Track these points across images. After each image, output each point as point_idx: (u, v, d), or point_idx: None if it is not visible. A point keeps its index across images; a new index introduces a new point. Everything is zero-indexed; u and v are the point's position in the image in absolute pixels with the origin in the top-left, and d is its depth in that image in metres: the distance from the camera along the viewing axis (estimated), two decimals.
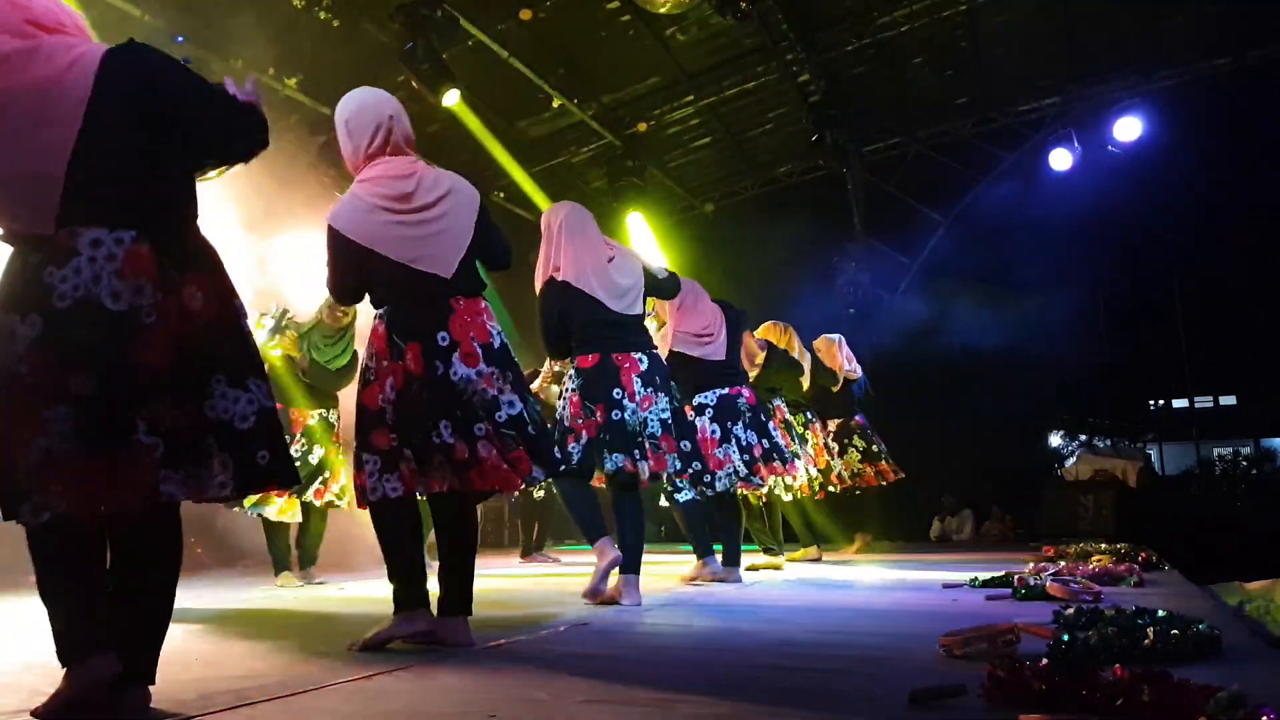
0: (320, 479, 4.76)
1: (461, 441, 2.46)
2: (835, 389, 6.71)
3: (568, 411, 3.58)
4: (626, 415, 3.52)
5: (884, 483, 6.88)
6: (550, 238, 3.67)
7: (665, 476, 3.78)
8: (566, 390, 3.62)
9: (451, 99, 7.02)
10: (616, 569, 3.50)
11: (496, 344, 2.57)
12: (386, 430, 2.48)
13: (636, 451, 3.50)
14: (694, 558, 4.66)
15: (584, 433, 3.52)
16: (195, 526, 5.92)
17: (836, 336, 7.00)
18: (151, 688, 1.72)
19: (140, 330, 1.64)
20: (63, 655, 1.66)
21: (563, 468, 3.51)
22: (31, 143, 1.63)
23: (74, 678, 1.63)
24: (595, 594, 3.49)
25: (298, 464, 4.55)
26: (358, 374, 2.63)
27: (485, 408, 2.50)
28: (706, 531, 4.57)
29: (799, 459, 5.41)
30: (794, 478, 5.26)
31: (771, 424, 4.99)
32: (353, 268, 2.59)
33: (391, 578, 2.54)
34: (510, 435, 2.51)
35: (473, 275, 2.65)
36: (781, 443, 4.91)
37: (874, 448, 6.88)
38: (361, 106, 2.69)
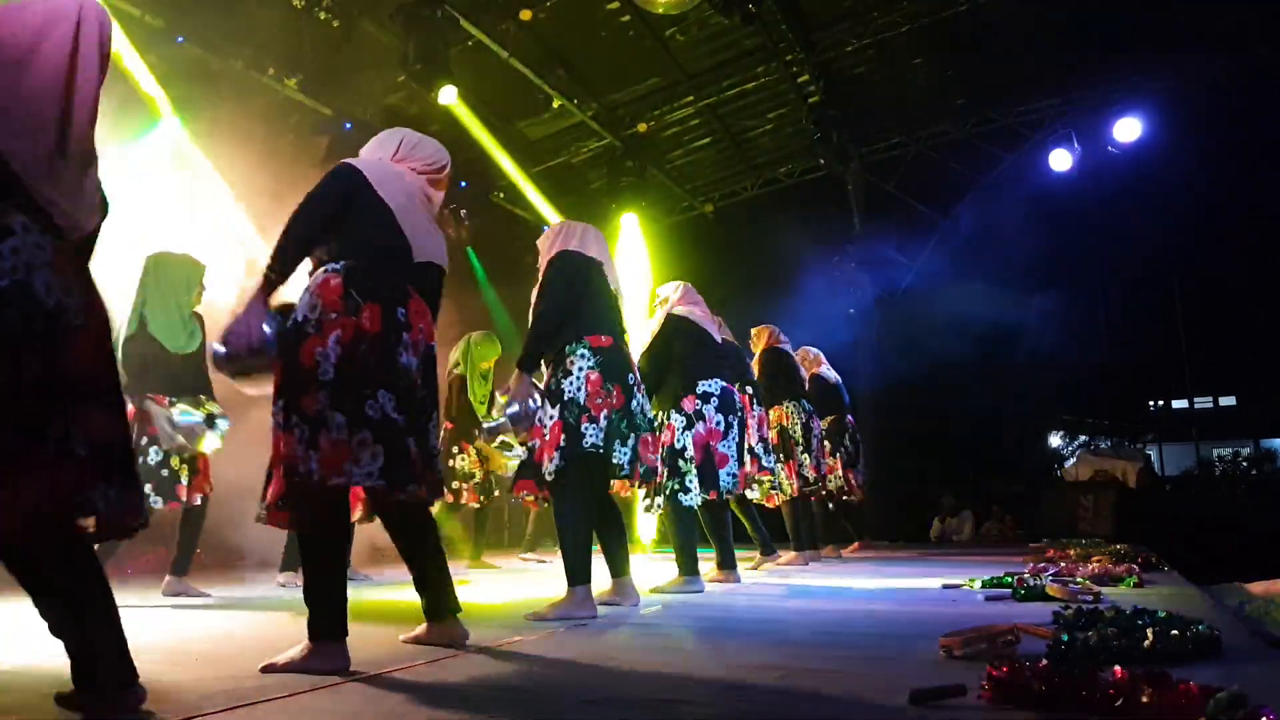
0: None
1: (404, 419, 2.27)
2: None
3: (585, 390, 3.27)
4: (635, 405, 3.42)
5: (848, 497, 6.86)
6: (559, 232, 3.64)
7: (648, 475, 3.55)
8: (579, 369, 3.30)
9: (449, 96, 7.01)
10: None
11: (434, 351, 2.48)
12: (316, 390, 2.19)
13: (640, 447, 3.44)
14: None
15: (602, 414, 3.27)
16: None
17: (810, 348, 7.02)
18: (142, 681, 1.70)
19: (69, 331, 1.58)
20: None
21: (564, 467, 3.21)
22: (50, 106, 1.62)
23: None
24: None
25: None
26: (288, 330, 2.30)
27: (419, 405, 2.35)
28: (694, 545, 4.26)
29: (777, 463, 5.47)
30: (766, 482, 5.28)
31: (757, 428, 4.98)
32: (335, 213, 2.37)
33: (310, 604, 2.21)
34: (425, 444, 2.36)
35: (431, 281, 2.53)
36: (760, 453, 4.85)
37: (856, 456, 6.91)
38: (443, 149, 2.73)
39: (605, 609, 3.37)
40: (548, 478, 3.24)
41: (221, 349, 2.33)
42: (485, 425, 3.45)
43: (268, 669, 2.12)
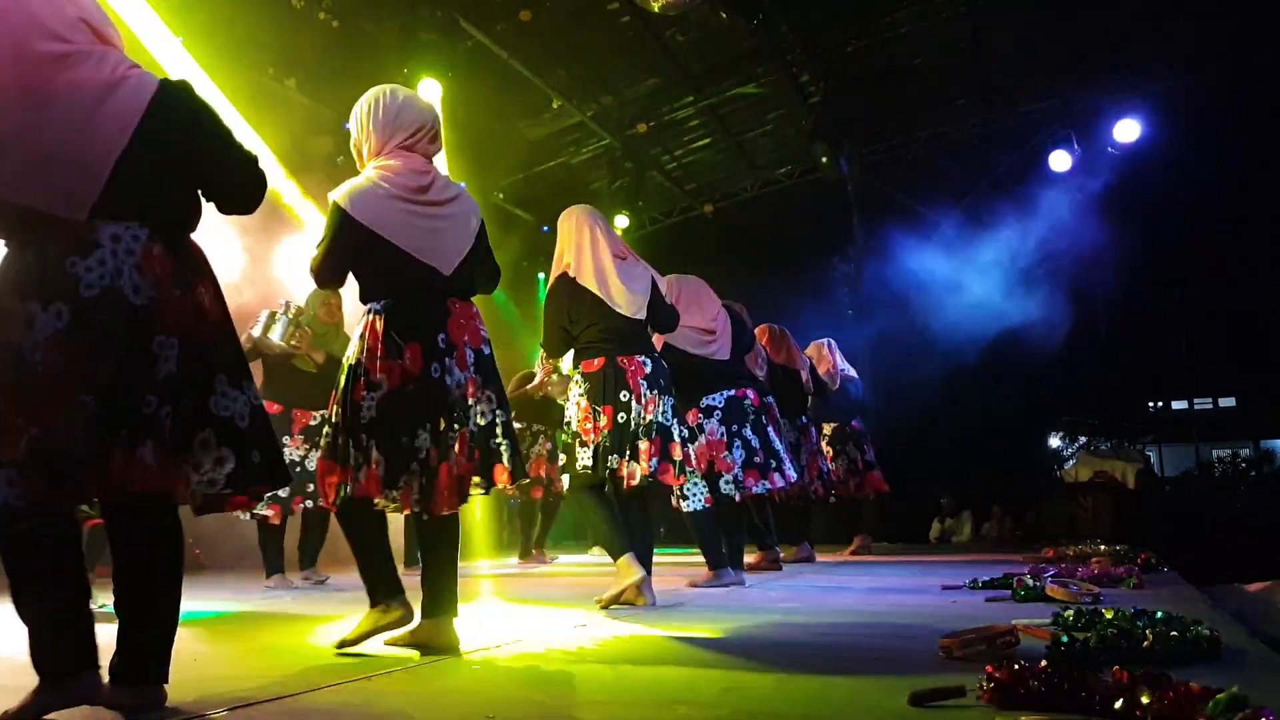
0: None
1: (434, 448, 2.43)
2: (834, 389, 6.71)
3: (578, 418, 3.58)
4: (632, 417, 3.55)
5: (870, 495, 6.88)
6: (563, 235, 3.71)
7: (645, 476, 3.62)
8: (574, 396, 3.63)
9: (431, 92, 6.87)
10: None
11: (486, 351, 2.59)
12: (362, 432, 2.42)
13: (629, 452, 3.53)
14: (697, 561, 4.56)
15: (591, 437, 3.52)
16: (194, 528, 5.92)
17: (825, 340, 6.99)
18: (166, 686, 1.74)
19: (159, 324, 1.72)
20: (41, 666, 1.68)
21: (577, 478, 3.56)
22: (86, 134, 1.71)
23: (52, 691, 1.66)
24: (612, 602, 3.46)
25: (298, 467, 4.55)
26: (343, 370, 2.54)
27: (467, 413, 2.48)
28: (719, 541, 4.41)
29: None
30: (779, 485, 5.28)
31: (772, 430, 4.98)
32: (349, 253, 2.53)
33: (364, 575, 2.56)
34: (485, 444, 2.51)
35: (468, 279, 2.62)
36: (781, 449, 4.88)
37: (865, 459, 6.87)
38: (413, 100, 2.69)
39: (619, 609, 3.38)
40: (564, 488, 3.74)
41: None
42: None
43: (343, 645, 2.48)
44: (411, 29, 6.60)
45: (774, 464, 4.73)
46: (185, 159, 1.85)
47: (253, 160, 1.98)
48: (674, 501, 4.46)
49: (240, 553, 6.18)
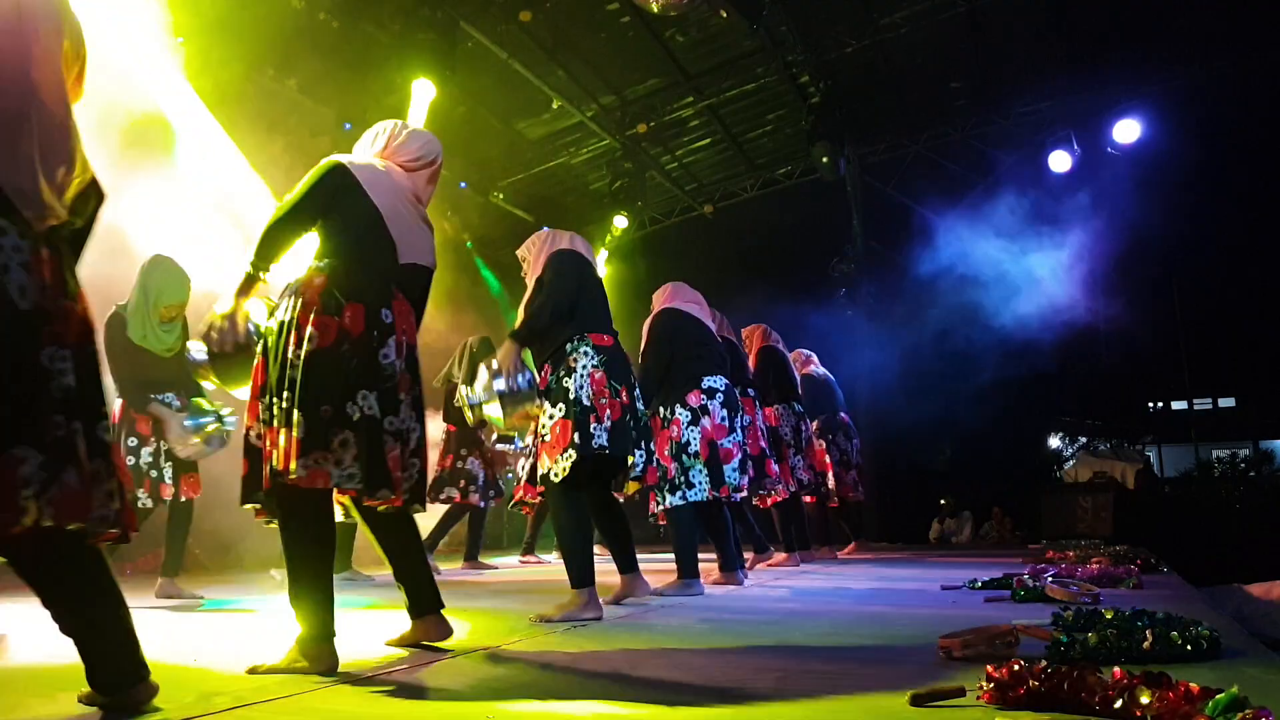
0: None
1: (385, 421, 2.26)
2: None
3: (590, 389, 3.19)
4: (638, 407, 3.40)
5: (846, 496, 6.86)
6: (546, 238, 3.58)
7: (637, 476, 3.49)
8: (582, 367, 3.22)
9: (425, 92, 6.88)
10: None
11: (415, 352, 2.47)
12: (295, 388, 2.19)
13: (650, 450, 3.41)
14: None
15: (608, 413, 3.20)
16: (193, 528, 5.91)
17: (804, 350, 7.03)
18: (152, 679, 1.72)
19: (41, 335, 1.55)
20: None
21: (581, 454, 3.12)
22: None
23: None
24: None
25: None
26: (273, 331, 2.29)
27: (393, 406, 2.32)
28: (696, 545, 4.16)
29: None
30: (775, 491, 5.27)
31: (757, 433, 4.96)
32: (319, 209, 2.36)
33: (297, 599, 2.18)
34: (407, 452, 2.35)
35: (415, 287, 2.51)
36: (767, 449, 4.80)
37: (850, 455, 6.90)
38: (421, 132, 2.68)
39: (610, 609, 3.37)
40: (553, 478, 3.15)
41: (201, 350, 2.34)
42: (467, 398, 3.17)
43: (254, 671, 2.11)
44: (411, 29, 6.60)
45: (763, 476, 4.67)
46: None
47: None
48: (653, 505, 4.25)
49: (239, 553, 6.18)
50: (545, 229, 3.64)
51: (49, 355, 1.54)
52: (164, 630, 3.03)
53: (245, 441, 2.27)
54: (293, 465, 2.13)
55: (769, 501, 5.72)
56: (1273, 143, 9.47)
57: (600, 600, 3.18)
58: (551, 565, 6.60)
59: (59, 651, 1.69)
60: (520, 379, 3.12)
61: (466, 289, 9.44)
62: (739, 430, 4.41)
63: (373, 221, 2.39)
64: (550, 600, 3.30)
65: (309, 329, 2.22)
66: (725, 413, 4.32)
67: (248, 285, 2.31)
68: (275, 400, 2.20)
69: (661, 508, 4.24)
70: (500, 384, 3.09)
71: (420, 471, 2.41)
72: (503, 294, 9.63)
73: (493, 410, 3.12)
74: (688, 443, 4.22)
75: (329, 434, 2.18)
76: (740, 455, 4.35)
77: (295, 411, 2.16)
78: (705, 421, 4.27)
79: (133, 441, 3.93)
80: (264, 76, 6.68)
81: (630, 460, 3.31)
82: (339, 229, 2.37)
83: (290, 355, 2.22)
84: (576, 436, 3.12)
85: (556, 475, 3.14)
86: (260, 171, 6.16)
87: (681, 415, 4.26)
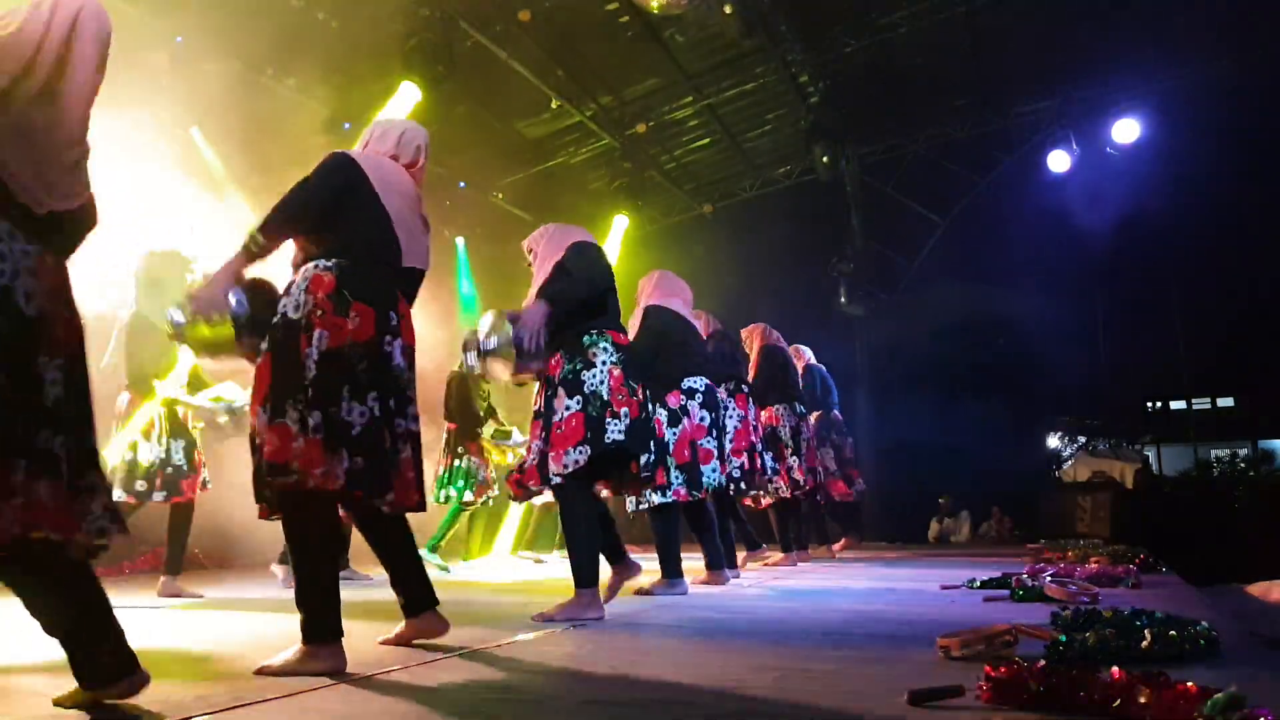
0: None
1: (388, 427, 2.26)
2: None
3: (607, 385, 3.13)
4: (650, 407, 3.40)
5: (850, 491, 6.94)
6: (552, 230, 3.51)
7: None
8: (601, 362, 3.16)
9: (411, 94, 6.87)
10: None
11: (413, 357, 2.46)
12: (303, 390, 2.16)
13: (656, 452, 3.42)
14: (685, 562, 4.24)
15: (626, 410, 3.15)
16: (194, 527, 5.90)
17: (800, 346, 7.05)
18: (144, 670, 1.71)
19: (44, 341, 1.55)
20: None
21: (584, 463, 3.06)
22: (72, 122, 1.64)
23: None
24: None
25: None
26: (279, 328, 2.25)
27: (404, 408, 2.34)
28: (679, 544, 4.14)
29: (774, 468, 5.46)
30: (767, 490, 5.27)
31: (738, 428, 4.94)
32: (331, 203, 2.32)
33: (304, 601, 2.17)
34: (414, 448, 2.37)
35: (412, 290, 2.52)
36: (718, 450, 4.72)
37: (847, 449, 6.97)
38: (415, 128, 2.67)
39: (608, 608, 3.36)
40: (564, 469, 3.06)
41: (179, 315, 2.29)
42: (481, 343, 3.11)
43: (262, 672, 2.09)
44: (411, 29, 6.60)
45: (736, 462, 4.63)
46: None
47: None
48: (630, 503, 4.19)
49: (238, 552, 6.18)
50: (554, 224, 3.57)
51: (43, 364, 1.54)
52: (164, 630, 3.03)
53: (252, 440, 2.25)
54: (304, 465, 2.12)
55: (764, 503, 5.72)
56: (1272, 142, 9.47)
57: (601, 601, 3.17)
58: (545, 565, 6.60)
59: (50, 650, 1.68)
60: (539, 338, 3.04)
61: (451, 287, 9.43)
62: (721, 428, 4.43)
63: (382, 223, 2.39)
64: (551, 600, 3.30)
65: (318, 330, 2.20)
66: (705, 413, 4.36)
67: (242, 261, 2.27)
68: (284, 400, 2.17)
69: (644, 506, 4.19)
70: (519, 332, 3.01)
71: (421, 472, 2.42)
72: (473, 292, 9.58)
73: (502, 359, 3.06)
74: (668, 444, 4.23)
75: (340, 435, 2.17)
76: (718, 456, 4.35)
77: (306, 412, 2.15)
78: (684, 423, 4.30)
79: (134, 437, 3.98)
80: (263, 76, 6.67)
81: (640, 460, 3.27)
82: (348, 228, 2.34)
83: (300, 356, 2.19)
84: (590, 432, 3.07)
85: (566, 467, 3.07)
86: (259, 171, 6.16)
87: (660, 415, 4.27)
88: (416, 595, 2.50)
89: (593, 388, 3.12)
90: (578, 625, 2.97)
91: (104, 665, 1.65)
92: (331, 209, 2.34)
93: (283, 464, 2.14)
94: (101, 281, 4.76)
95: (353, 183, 2.39)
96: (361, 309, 2.26)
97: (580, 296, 3.17)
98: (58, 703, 1.69)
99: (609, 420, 3.09)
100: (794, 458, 5.93)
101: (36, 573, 1.61)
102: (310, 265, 2.31)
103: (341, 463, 2.16)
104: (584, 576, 3.10)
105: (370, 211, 2.38)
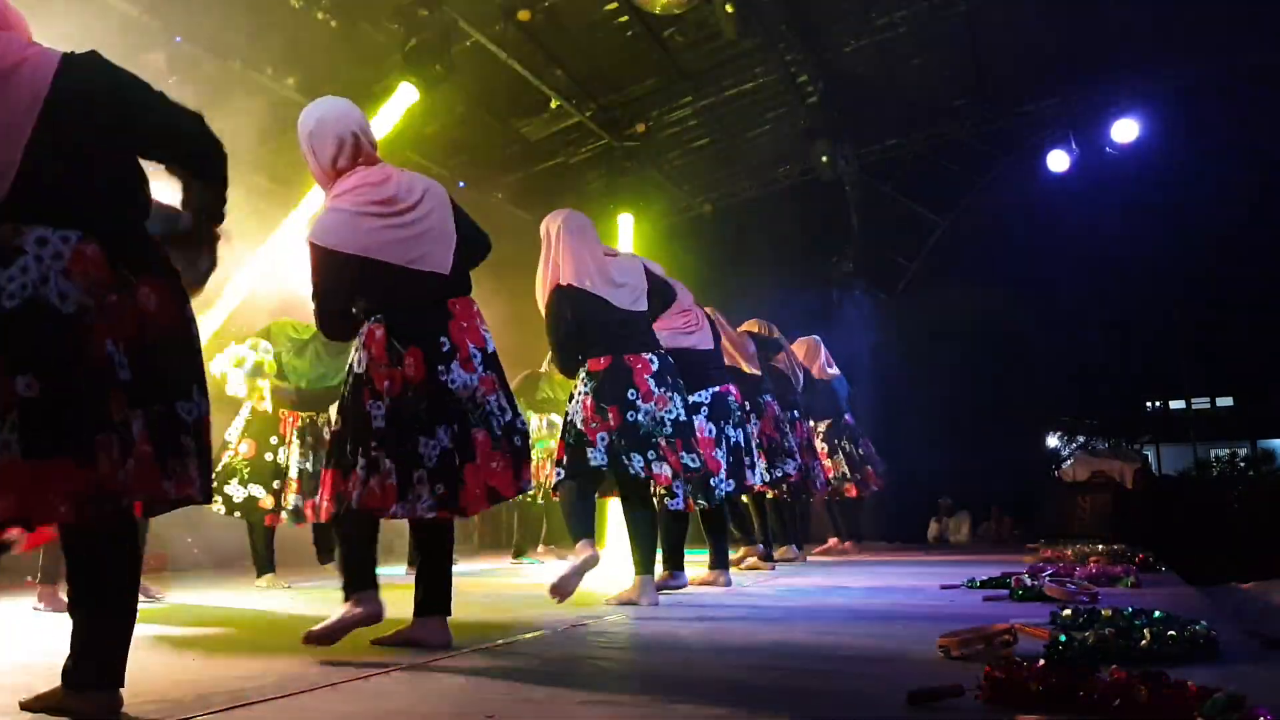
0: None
1: (458, 449, 2.43)
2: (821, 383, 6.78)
3: (581, 416, 3.53)
4: (640, 417, 3.49)
5: (866, 492, 6.94)
6: (550, 244, 3.65)
7: (676, 477, 3.61)
8: (579, 394, 3.57)
9: (408, 94, 6.87)
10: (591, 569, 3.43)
11: (490, 349, 2.58)
12: (372, 439, 2.41)
13: (651, 453, 3.49)
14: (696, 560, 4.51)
15: (600, 435, 3.48)
16: (191, 527, 5.91)
17: (814, 337, 7.03)
18: (142, 681, 1.71)
19: (91, 332, 1.60)
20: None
21: (575, 472, 3.48)
22: None
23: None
24: (563, 590, 3.33)
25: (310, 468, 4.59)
26: (348, 380, 2.54)
27: (485, 413, 2.49)
28: (655, 548, 4.19)
29: (792, 459, 5.43)
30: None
31: (760, 424, 4.94)
32: (345, 286, 2.51)
33: (344, 567, 2.49)
34: (509, 443, 2.53)
35: (465, 273, 2.64)
36: (753, 449, 4.76)
37: (859, 452, 6.93)
38: (322, 120, 2.64)
39: (606, 609, 3.38)
40: (557, 478, 3.56)
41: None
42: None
43: (309, 638, 2.34)
44: (410, 29, 6.59)
45: (749, 461, 4.64)
46: (114, 136, 1.71)
47: (199, 117, 1.84)
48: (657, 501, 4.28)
49: (236, 552, 6.17)
50: (564, 214, 3.76)
51: (108, 351, 1.60)
52: (163, 630, 3.03)
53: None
54: (389, 507, 2.38)
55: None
56: (1272, 142, 9.48)
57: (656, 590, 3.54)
58: (543, 565, 6.59)
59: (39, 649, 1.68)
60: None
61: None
62: (729, 436, 4.49)
63: (383, 270, 2.47)
64: (549, 599, 3.33)
65: (379, 383, 2.42)
66: (711, 425, 4.46)
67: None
68: (357, 448, 2.41)
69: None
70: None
71: (524, 449, 2.58)
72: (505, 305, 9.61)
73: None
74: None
75: (411, 474, 2.39)
76: (727, 464, 4.45)
77: (380, 458, 2.38)
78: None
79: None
80: (262, 75, 6.67)
81: (631, 470, 3.48)
82: (371, 292, 2.51)
83: (368, 409, 2.42)
84: (567, 459, 3.52)
85: (552, 483, 3.66)
86: (258, 171, 6.15)
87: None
88: (433, 597, 2.53)
89: (571, 418, 3.58)
90: (577, 625, 2.98)
91: (97, 669, 1.63)
92: (350, 294, 2.54)
93: (350, 498, 2.40)
94: None
95: (344, 272, 2.49)
96: (413, 353, 2.44)
97: (563, 366, 3.68)
98: (24, 706, 1.67)
99: (588, 450, 3.47)
100: (789, 459, 5.93)
101: (104, 540, 1.66)
102: (366, 321, 2.52)
103: (422, 496, 2.39)
104: (578, 533, 3.44)
105: (378, 275, 2.48)
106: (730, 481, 4.49)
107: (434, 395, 2.43)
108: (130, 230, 1.74)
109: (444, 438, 2.42)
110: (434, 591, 2.53)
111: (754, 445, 4.86)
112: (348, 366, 2.56)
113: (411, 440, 2.40)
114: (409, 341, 2.44)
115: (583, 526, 3.47)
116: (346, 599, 2.43)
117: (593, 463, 3.45)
